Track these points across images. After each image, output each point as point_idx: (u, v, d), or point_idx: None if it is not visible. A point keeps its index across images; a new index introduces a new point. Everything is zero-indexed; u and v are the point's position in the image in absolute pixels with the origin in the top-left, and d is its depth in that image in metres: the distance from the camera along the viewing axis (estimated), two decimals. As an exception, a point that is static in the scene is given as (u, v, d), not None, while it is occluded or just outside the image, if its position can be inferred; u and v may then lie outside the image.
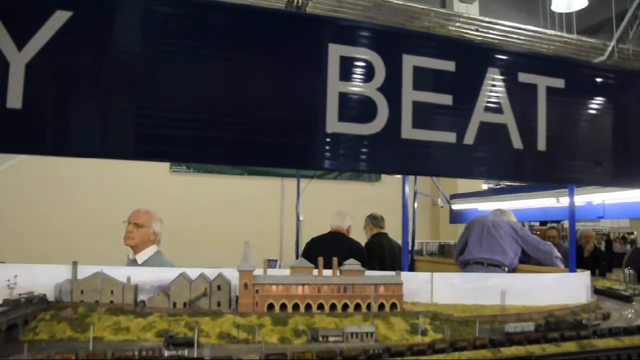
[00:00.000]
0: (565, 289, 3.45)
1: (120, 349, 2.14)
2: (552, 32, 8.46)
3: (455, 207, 7.72)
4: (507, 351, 2.40)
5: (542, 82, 2.18)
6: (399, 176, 8.52)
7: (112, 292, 2.73)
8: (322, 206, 8.37)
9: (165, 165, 9.38)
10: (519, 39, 8.09)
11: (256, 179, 9.76)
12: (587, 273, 3.68)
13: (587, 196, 5.73)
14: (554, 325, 2.73)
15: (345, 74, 1.77)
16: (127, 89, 1.58)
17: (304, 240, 6.13)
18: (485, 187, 12.81)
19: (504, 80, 2.08)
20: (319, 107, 1.73)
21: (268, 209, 9.59)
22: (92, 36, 1.56)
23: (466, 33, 7.68)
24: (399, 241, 7.01)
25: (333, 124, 1.74)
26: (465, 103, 2.01)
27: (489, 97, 2.05)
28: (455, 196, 7.80)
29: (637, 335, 2.70)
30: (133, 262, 4.41)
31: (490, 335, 2.52)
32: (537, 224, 14.34)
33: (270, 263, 5.80)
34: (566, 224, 13.59)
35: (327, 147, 1.75)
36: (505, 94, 2.08)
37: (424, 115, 1.91)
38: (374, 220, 6.73)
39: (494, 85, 2.06)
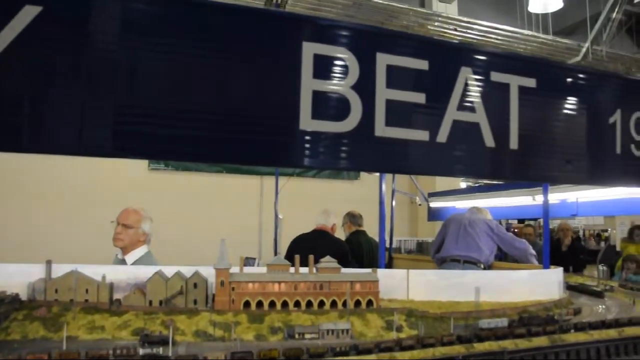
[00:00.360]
0: (539, 285, 3.51)
1: (95, 348, 2.11)
2: (529, 32, 8.58)
3: (433, 205, 7.79)
4: (480, 347, 2.42)
5: (515, 82, 2.21)
6: (377, 174, 8.58)
7: (87, 290, 2.70)
8: (301, 204, 8.37)
9: (144, 163, 9.30)
10: (496, 38, 8.19)
11: (235, 177, 9.72)
12: (560, 270, 3.75)
13: (562, 194, 5.82)
14: (527, 320, 2.78)
15: (319, 72, 1.78)
16: (97, 85, 1.56)
17: (283, 239, 6.13)
18: (463, 185, 12.93)
19: (476, 80, 2.10)
20: (292, 104, 1.73)
21: (247, 207, 9.56)
22: (63, 32, 1.54)
23: (445, 32, 7.75)
24: (377, 239, 7.07)
25: (306, 122, 1.74)
26: (439, 102, 2.03)
27: (462, 96, 2.07)
28: (434, 194, 7.86)
29: (604, 330, 2.75)
30: (121, 262, 4.31)
31: (464, 331, 2.55)
32: (516, 221, 14.52)
33: (249, 261, 5.83)
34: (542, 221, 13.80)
35: (300, 145, 1.75)
36: (478, 93, 2.11)
37: (398, 114, 1.93)
38: (352, 218, 6.76)
39: (466, 85, 2.08)
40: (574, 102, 2.44)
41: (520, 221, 13.23)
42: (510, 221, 15.34)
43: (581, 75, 2.48)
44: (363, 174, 9.89)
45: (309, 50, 1.76)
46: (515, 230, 12.15)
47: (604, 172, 2.55)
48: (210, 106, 1.71)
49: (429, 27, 7.56)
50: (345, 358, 2.14)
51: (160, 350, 2.17)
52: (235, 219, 8.96)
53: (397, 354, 2.23)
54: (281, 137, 1.73)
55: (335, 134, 1.80)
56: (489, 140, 2.12)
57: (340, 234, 6.59)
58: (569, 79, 2.40)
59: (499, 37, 8.23)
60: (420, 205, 8.18)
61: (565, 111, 2.42)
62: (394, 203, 5.95)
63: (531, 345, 2.52)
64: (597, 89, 2.52)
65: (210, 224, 8.50)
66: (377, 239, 6.51)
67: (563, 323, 2.79)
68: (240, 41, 1.71)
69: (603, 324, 2.82)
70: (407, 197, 8.06)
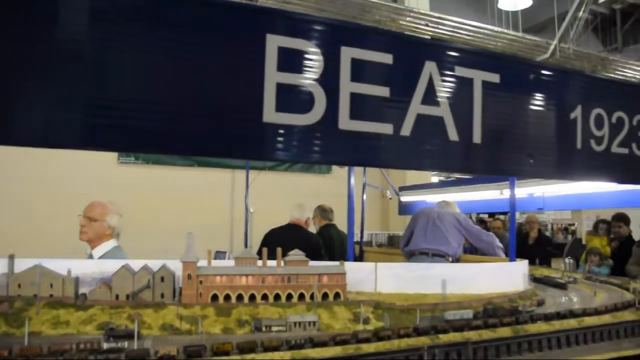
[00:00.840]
0: (504, 277, 3.58)
1: (58, 343, 2.08)
2: (499, 29, 8.70)
3: (404, 198, 7.86)
4: (445, 338, 2.46)
5: (479, 77, 2.24)
6: (353, 168, 8.61)
7: (51, 285, 2.66)
8: (272, 198, 8.38)
9: (113, 156, 9.17)
10: (467, 34, 8.28)
11: (206, 170, 9.66)
12: (525, 262, 3.83)
13: (529, 189, 5.95)
14: (491, 312, 2.83)
15: (283, 64, 1.78)
16: (57, 76, 1.54)
17: (254, 232, 6.12)
18: (435, 179, 13.07)
19: (440, 74, 2.12)
20: (256, 97, 1.73)
21: (218, 200, 9.51)
22: (26, 22, 1.51)
23: (416, 28, 7.80)
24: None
25: (270, 114, 1.74)
26: (403, 96, 2.05)
27: (426, 90, 2.09)
28: (404, 188, 7.94)
29: (565, 320, 2.82)
30: (90, 258, 4.26)
31: (430, 323, 2.58)
32: (486, 215, 14.74)
33: (219, 255, 5.80)
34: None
35: (264, 137, 1.75)
36: (442, 87, 2.13)
37: (362, 107, 1.94)
38: (323, 212, 6.79)
39: (431, 79, 2.10)
40: (536, 97, 2.49)
41: (491, 215, 13.47)
42: (481, 215, 15.58)
43: (543, 72, 2.53)
44: (335, 168, 9.93)
45: (273, 42, 1.76)
46: (487, 223, 12.34)
47: (566, 166, 2.60)
48: (174, 98, 1.69)
49: (400, 22, 7.60)
50: (303, 350, 2.15)
51: (126, 344, 2.16)
52: (207, 213, 8.90)
53: (363, 345, 2.25)
54: (245, 130, 1.73)
55: (299, 127, 1.80)
56: (453, 134, 2.15)
57: (312, 228, 6.61)
58: (532, 75, 2.44)
59: (470, 33, 8.33)
60: (391, 199, 8.24)
61: (528, 106, 2.46)
62: (364, 197, 5.99)
63: (495, 336, 2.56)
64: (558, 85, 2.57)
65: (182, 217, 8.42)
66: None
67: (526, 314, 2.85)
68: (204, 32, 1.70)
69: (564, 315, 2.89)
70: (378, 190, 8.11)
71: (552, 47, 8.69)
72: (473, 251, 5.68)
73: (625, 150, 2.78)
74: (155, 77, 1.66)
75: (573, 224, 17.27)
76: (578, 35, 8.89)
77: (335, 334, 2.25)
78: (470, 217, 14.73)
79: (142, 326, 2.45)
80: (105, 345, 2.12)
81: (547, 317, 2.81)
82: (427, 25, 7.82)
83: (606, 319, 2.98)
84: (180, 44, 1.68)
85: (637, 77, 9.83)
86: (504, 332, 2.62)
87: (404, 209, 8.02)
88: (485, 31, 8.42)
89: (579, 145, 2.59)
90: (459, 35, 8.17)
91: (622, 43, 10.60)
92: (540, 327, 2.74)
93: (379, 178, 8.29)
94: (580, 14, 8.42)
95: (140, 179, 9.25)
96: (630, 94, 2.88)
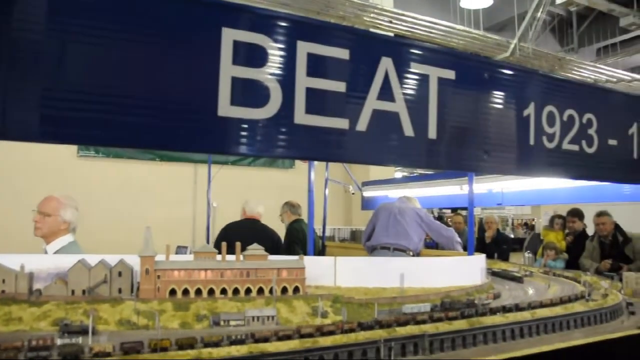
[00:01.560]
0: (462, 271, 3.65)
1: (9, 340, 2.03)
2: (462, 27, 8.81)
3: (366, 194, 7.93)
4: (402, 331, 2.49)
5: (434, 73, 2.27)
6: (315, 163, 8.64)
7: (3, 281, 2.60)
8: (235, 193, 8.31)
9: (73, 149, 8.96)
10: (430, 32, 8.36)
11: (168, 164, 9.53)
12: (483, 256, 3.91)
13: (488, 184, 6.08)
14: (448, 305, 2.88)
15: (239, 58, 1.77)
16: (6, 68, 1.50)
17: (217, 227, 6.08)
18: (399, 175, 13.21)
19: (397, 70, 2.14)
20: (210, 90, 1.72)
21: (180, 195, 9.41)
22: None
23: (380, 24, 7.84)
24: (314, 227, 7.14)
25: (225, 108, 1.73)
26: (359, 91, 2.06)
27: (382, 85, 2.11)
28: (367, 183, 8.00)
29: (519, 312, 2.89)
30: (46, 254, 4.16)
31: (387, 316, 2.61)
32: (449, 211, 14.98)
33: (181, 249, 5.74)
34: (475, 210, 14.36)
35: (218, 131, 1.74)
36: (398, 83, 2.15)
37: (318, 102, 1.94)
38: (292, 207, 6.80)
39: (387, 75, 2.12)
40: (490, 94, 2.54)
41: (453, 210, 13.70)
42: (444, 210, 15.85)
43: (497, 70, 2.59)
44: (298, 163, 9.92)
45: (229, 36, 1.74)
46: (449, 219, 12.54)
47: (519, 162, 2.67)
48: (128, 91, 1.67)
49: (364, 18, 7.63)
50: (261, 344, 2.15)
51: (80, 340, 2.12)
52: (169, 208, 8.81)
53: (320, 339, 2.26)
54: (199, 124, 1.71)
55: (254, 121, 1.79)
56: (408, 130, 2.18)
57: (273, 223, 6.61)
58: (486, 73, 2.49)
59: (433, 31, 8.41)
60: (353, 194, 8.30)
61: (482, 103, 2.51)
62: (326, 192, 6.01)
63: (451, 329, 2.61)
64: (512, 83, 2.63)
65: (143, 212, 8.31)
66: (316, 227, 6.59)
67: (482, 307, 2.91)
68: (158, 25, 1.67)
69: (518, 307, 2.97)
70: (341, 186, 8.16)
71: (512, 46, 8.86)
72: (434, 246, 5.78)
73: (575, 147, 2.87)
74: (109, 70, 1.63)
75: (533, 220, 17.71)
76: (537, 35, 9.11)
77: (278, 329, 2.24)
78: (432, 213, 14.99)
79: (99, 322, 2.42)
80: (59, 342, 2.08)
81: (502, 310, 2.88)
82: (390, 22, 7.87)
83: (558, 310, 3.07)
84: (135, 36, 1.66)
85: (592, 77, 10.13)
86: (460, 324, 2.67)
87: (366, 204, 8.09)
88: (448, 29, 8.51)
89: (531, 141, 2.65)
90: (422, 32, 8.25)
91: (578, 44, 10.92)
92: (495, 319, 2.80)
93: (342, 173, 8.34)
94: (539, 14, 8.61)
95: (100, 173, 9.07)
96: (580, 93, 2.98)
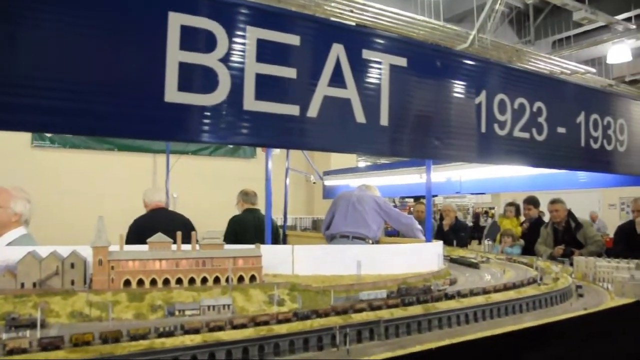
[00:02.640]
0: (419, 258, 3.70)
1: (-52, 335, 1.96)
2: (422, 17, 8.88)
3: (328, 183, 7.94)
4: (357, 317, 2.51)
5: (386, 60, 2.28)
6: (276, 152, 8.61)
7: (-50, 275, 2.52)
8: (197, 183, 8.24)
9: (27, 139, 8.70)
10: (391, 22, 8.40)
11: (127, 154, 9.35)
12: (440, 243, 3.97)
13: (447, 173, 6.16)
14: (404, 291, 2.92)
15: (186, 43, 1.73)
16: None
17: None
18: (362, 164, 13.28)
19: (348, 57, 2.14)
20: (157, 76, 1.68)
21: (139, 185, 9.22)
22: None
23: (341, 14, 7.83)
24: (275, 216, 7.12)
25: (172, 94, 1.70)
26: (309, 77, 2.05)
27: (334, 72, 2.11)
28: (328, 172, 8.02)
29: (473, 297, 2.95)
30: None
31: (343, 303, 2.63)
32: (412, 200, 15.15)
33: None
34: (437, 199, 14.59)
35: (166, 117, 1.71)
36: (349, 69, 2.15)
37: (268, 88, 1.93)
38: (245, 196, 6.75)
39: (338, 61, 2.12)
40: (442, 82, 2.57)
41: (416, 199, 13.88)
42: (406, 199, 16.03)
43: (449, 57, 2.62)
44: (259, 152, 9.87)
45: (176, 20, 1.71)
46: (412, 207, 12.71)
47: (471, 149, 2.71)
48: (73, 76, 1.62)
49: (325, 7, 7.61)
50: (215, 333, 2.14)
51: (28, 334, 2.07)
52: (127, 198, 8.63)
53: (275, 326, 2.27)
54: (146, 109, 1.68)
55: (202, 107, 1.77)
56: (360, 117, 2.18)
57: (231, 212, 6.57)
58: (439, 61, 2.51)
59: (394, 21, 8.46)
60: (314, 183, 8.31)
61: (434, 90, 2.53)
62: (287, 181, 6.00)
63: (406, 314, 2.64)
64: (463, 70, 2.67)
65: (101, 203, 8.14)
66: (276, 216, 6.57)
67: (438, 293, 2.96)
68: (103, 8, 1.63)
69: (472, 292, 3.03)
70: (302, 175, 8.16)
71: (471, 37, 9.00)
72: (397, 234, 5.83)
73: (526, 135, 2.94)
74: (52, 56, 1.58)
75: (493, 208, 18.11)
76: (495, 27, 9.27)
77: (211, 320, 2.21)
78: (393, 202, 15.15)
79: (50, 314, 2.37)
80: (4, 336, 2.02)
81: (457, 295, 2.93)
82: (352, 11, 7.87)
83: (511, 295, 3.14)
84: (80, 20, 1.61)
85: (548, 68, 10.38)
86: (416, 310, 2.71)
87: (328, 193, 8.11)
88: (409, 19, 8.58)
89: (483, 129, 2.70)
90: (383, 22, 8.28)
91: (535, 36, 11.16)
92: (450, 304, 2.85)
93: (303, 163, 8.34)
94: (497, 6, 8.75)
95: (56, 164, 8.84)
96: (531, 82, 3.04)
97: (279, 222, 6.61)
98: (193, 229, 5.40)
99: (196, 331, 2.14)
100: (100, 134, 1.72)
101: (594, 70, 11.66)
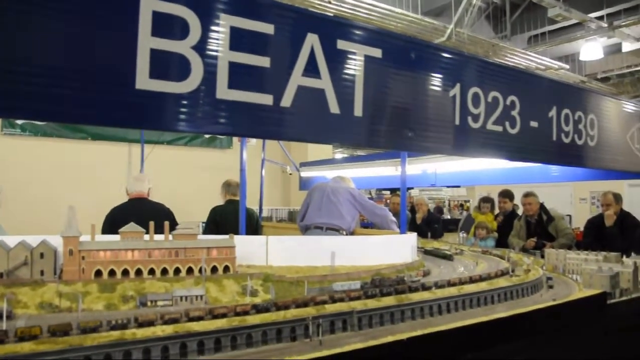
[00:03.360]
0: (393, 249, 3.72)
1: None
2: (400, 10, 8.88)
3: (304, 174, 7.93)
4: (331, 308, 2.51)
5: (361, 51, 2.28)
6: (252, 143, 8.57)
7: None
8: (172, 173, 8.16)
9: (-4, 126, 8.52)
10: (369, 14, 8.39)
11: (101, 144, 9.20)
12: (414, 235, 4.00)
13: (422, 165, 6.21)
14: (378, 282, 2.94)
15: (158, 30, 1.70)
16: None
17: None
18: (339, 156, 13.30)
19: (323, 47, 2.14)
20: (128, 62, 1.65)
21: (114, 175, 9.10)
22: None
23: (320, 5, 7.79)
24: (254, 207, 7.10)
25: (143, 81, 1.67)
26: (283, 66, 2.04)
27: (308, 62, 2.10)
28: (305, 164, 8.01)
29: (447, 288, 2.98)
30: None
31: (317, 294, 2.63)
32: (389, 192, 15.20)
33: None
34: (413, 192, 14.69)
35: (137, 104, 1.68)
36: (323, 60, 2.14)
37: (241, 76, 1.91)
38: (228, 187, 6.72)
39: (312, 51, 2.11)
40: (417, 74, 2.58)
41: (393, 191, 13.95)
42: (383, 192, 16.09)
43: (424, 49, 2.63)
44: (236, 143, 9.80)
45: (148, 6, 1.68)
46: (388, 200, 12.76)
47: (444, 141, 2.73)
48: (42, 62, 1.58)
49: (303, -2, 7.56)
50: (192, 323, 2.12)
51: (-8, 325, 2.02)
52: (102, 188, 8.51)
53: (248, 317, 2.26)
54: (117, 97, 1.65)
55: (174, 95, 1.74)
56: (334, 107, 2.18)
57: (212, 201, 6.51)
58: (413, 52, 2.52)
59: (372, 13, 8.44)
60: (291, 174, 8.29)
61: (409, 82, 2.54)
62: (263, 172, 5.98)
63: (380, 305, 2.65)
64: (438, 63, 2.68)
65: (74, 193, 8.00)
66: (254, 207, 6.54)
67: (411, 284, 2.98)
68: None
69: (445, 284, 3.06)
70: (278, 166, 8.13)
71: (448, 31, 9.04)
72: (372, 226, 5.85)
73: (499, 128, 2.97)
74: (21, 39, 1.53)
75: (468, 201, 18.29)
76: (472, 22, 9.33)
77: (166, 311, 2.17)
78: (369, 193, 15.22)
79: (17, 305, 2.33)
80: (-34, 329, 1.97)
81: (430, 286, 2.95)
82: (329, 2, 7.83)
83: (483, 286, 3.18)
84: (50, 3, 1.57)
85: (523, 63, 10.50)
86: (389, 301, 2.72)
87: (304, 184, 8.11)
88: (387, 12, 8.56)
89: (457, 121, 2.72)
90: (361, 14, 8.26)
91: (511, 32, 11.29)
92: (423, 295, 2.87)
93: (280, 154, 8.32)
94: (474, 1, 8.81)
95: (27, 152, 8.65)
96: (504, 76, 3.07)
97: (255, 213, 6.58)
98: (172, 220, 5.35)
99: (169, 321, 2.12)
100: (68, 120, 1.68)
101: (567, 66, 11.83)
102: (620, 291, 3.74)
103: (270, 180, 6.66)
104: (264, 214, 6.75)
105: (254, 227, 6.11)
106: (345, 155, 15.61)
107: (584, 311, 3.38)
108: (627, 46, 10.87)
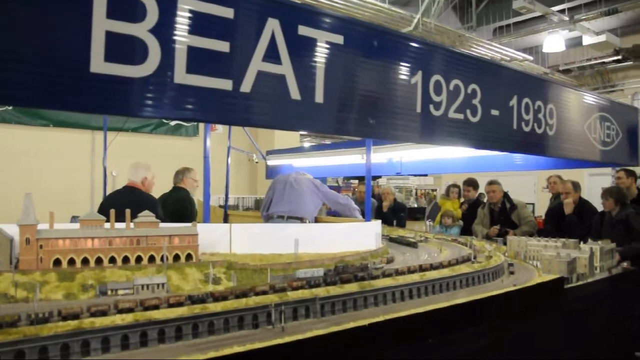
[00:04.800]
0: (357, 237, 3.74)
1: None
2: (367, -1, 8.88)
3: (271, 162, 7.89)
4: (294, 295, 2.52)
5: (322, 37, 2.27)
6: (219, 131, 8.49)
7: None
8: (137, 160, 7.98)
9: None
10: (336, 2, 8.36)
11: (63, 131, 8.97)
12: (378, 222, 4.03)
13: (388, 154, 6.23)
14: (341, 269, 2.95)
15: (114, 12, 1.66)
16: None
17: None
18: (307, 145, 13.28)
19: (283, 32, 2.12)
20: (81, 45, 1.61)
21: (77, 163, 8.92)
22: None
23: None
24: (217, 195, 7.03)
25: (98, 64, 1.63)
26: (243, 51, 2.02)
27: (268, 47, 2.08)
28: (272, 152, 7.97)
29: (409, 274, 3.02)
30: None
31: (280, 281, 2.63)
32: (357, 181, 15.26)
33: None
34: (381, 181, 14.79)
35: (91, 88, 1.64)
36: (284, 45, 2.13)
37: (200, 61, 1.88)
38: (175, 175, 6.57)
39: (273, 36, 2.09)
40: (378, 61, 2.58)
41: (361, 179, 14.01)
42: (351, 180, 16.16)
43: (386, 37, 2.63)
44: (202, 131, 9.67)
45: (102, -13, 1.64)
46: (356, 189, 12.81)
47: (406, 128, 2.75)
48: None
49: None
50: (153, 311, 2.10)
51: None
52: (64, 176, 8.34)
53: (210, 305, 2.25)
54: (70, 80, 1.60)
55: (130, 79, 1.71)
56: (295, 93, 2.17)
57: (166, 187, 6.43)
58: (375, 40, 2.52)
59: (339, 1, 8.42)
60: (257, 162, 8.25)
61: (370, 70, 2.54)
62: (229, 160, 5.92)
63: (342, 292, 2.67)
64: (400, 50, 2.69)
65: (33, 181, 7.81)
66: (218, 195, 6.48)
67: (375, 270, 3.01)
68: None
69: (408, 270, 3.10)
70: (245, 154, 8.06)
71: (415, 21, 9.09)
72: (336, 214, 5.86)
73: (460, 116, 3.01)
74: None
75: (435, 190, 18.50)
76: (439, 12, 9.40)
77: (118, 300, 2.15)
78: (337, 182, 15.26)
79: (-31, 296, 2.26)
80: None
81: (393, 273, 2.99)
82: (296, -10, 7.76)
83: (445, 272, 3.24)
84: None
85: (489, 54, 10.64)
86: (352, 287, 2.74)
87: (271, 173, 8.07)
88: (354, 0, 8.55)
89: (418, 109, 2.74)
90: (327, 1, 8.23)
91: (477, 23, 11.43)
92: (386, 282, 2.90)
93: (246, 142, 8.25)
94: (441, -9, 8.89)
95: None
96: (466, 64, 3.10)
97: (221, 202, 6.51)
98: (155, 211, 5.20)
99: (128, 310, 2.10)
100: (21, 104, 1.63)
101: (531, 58, 12.04)
102: (577, 276, 3.86)
103: (236, 168, 6.60)
104: (230, 202, 6.70)
105: (181, 214, 5.99)
106: (313, 144, 15.60)
107: (542, 295, 3.48)
108: (587, 39, 11.12)
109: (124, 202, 4.94)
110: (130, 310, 2.10)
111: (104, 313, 2.04)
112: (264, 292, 2.46)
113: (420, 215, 11.27)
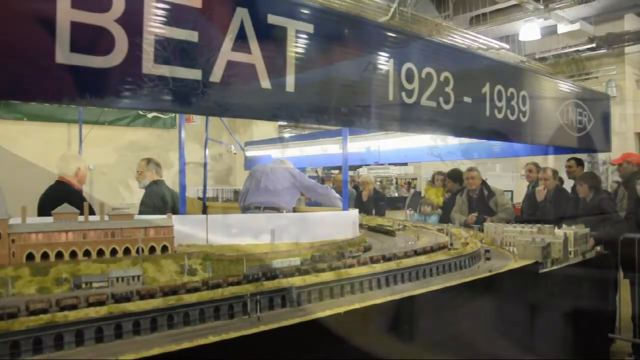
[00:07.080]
0: (335, 225, 3.76)
1: None
2: (344, -12, 8.84)
3: (249, 154, 7.87)
4: (270, 284, 2.52)
5: (292, 26, 2.27)
6: (195, 122, 8.42)
7: None
8: (114, 153, 7.92)
9: None
10: (313, -8, 8.31)
11: (38, 124, 8.81)
12: (356, 211, 4.05)
13: (366, 143, 6.26)
14: (318, 258, 2.97)
15: (79, 2, 1.64)
16: None
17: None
18: (288, 135, 13.25)
19: (253, 21, 2.11)
20: (46, 35, 1.59)
21: (53, 157, 8.75)
22: None
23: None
24: (195, 187, 6.99)
25: (64, 55, 1.61)
26: (212, 41, 2.00)
27: (237, 36, 2.07)
28: (250, 143, 7.94)
29: (386, 262, 3.04)
30: None
31: (256, 271, 2.63)
32: (337, 171, 15.30)
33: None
34: (361, 170, 14.83)
35: (57, 79, 1.62)
36: (254, 34, 2.12)
37: (168, 51, 1.87)
38: (157, 167, 6.50)
39: (242, 26, 2.08)
40: (349, 49, 2.58)
41: (340, 169, 14.01)
42: (332, 170, 16.20)
43: (357, 26, 2.63)
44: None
45: (66, -24, 1.61)
46: (334, 177, 12.84)
47: (378, 116, 2.76)
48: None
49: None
50: (127, 304, 2.09)
51: None
52: (39, 170, 8.17)
53: (185, 296, 2.24)
54: (35, 70, 1.58)
55: (97, 70, 1.69)
56: (265, 82, 2.17)
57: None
58: (346, 28, 2.52)
59: (316, -9, 8.39)
60: (235, 154, 8.21)
61: (341, 58, 2.55)
62: (207, 151, 5.88)
63: (318, 281, 2.68)
64: (371, 39, 2.70)
65: (9, 176, 7.67)
66: (197, 187, 6.42)
67: (351, 259, 3.02)
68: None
69: (384, 258, 3.12)
70: (223, 145, 8.00)
71: (392, 10, 9.08)
72: (314, 204, 5.85)
73: (433, 104, 3.03)
74: None
75: (415, 179, 18.62)
76: (416, 1, 9.41)
77: (93, 294, 2.13)
78: (316, 172, 15.27)
79: (-62, 292, 2.22)
80: None
81: (370, 261, 3.00)
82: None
83: (422, 259, 3.26)
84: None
85: (466, 43, 10.70)
86: (328, 276, 2.75)
87: (250, 164, 8.03)
88: (331, -10, 8.52)
89: (390, 97, 2.75)
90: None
91: (453, 11, 11.48)
92: (362, 270, 2.92)
93: (225, 133, 8.19)
94: (418, -21, 8.88)
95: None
96: (438, 52, 3.13)
97: (199, 194, 6.45)
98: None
99: (101, 303, 2.09)
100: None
101: (507, 46, 12.12)
102: (552, 261, 3.92)
103: (214, 159, 6.56)
104: (209, 194, 6.65)
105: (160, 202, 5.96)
106: (293, 134, 15.57)
107: (517, 280, 3.53)
108: (562, 28, 11.24)
109: (58, 198, 4.79)
110: (101, 303, 2.09)
111: (74, 307, 2.02)
112: (238, 283, 2.46)
113: (401, 204, 11.35)
